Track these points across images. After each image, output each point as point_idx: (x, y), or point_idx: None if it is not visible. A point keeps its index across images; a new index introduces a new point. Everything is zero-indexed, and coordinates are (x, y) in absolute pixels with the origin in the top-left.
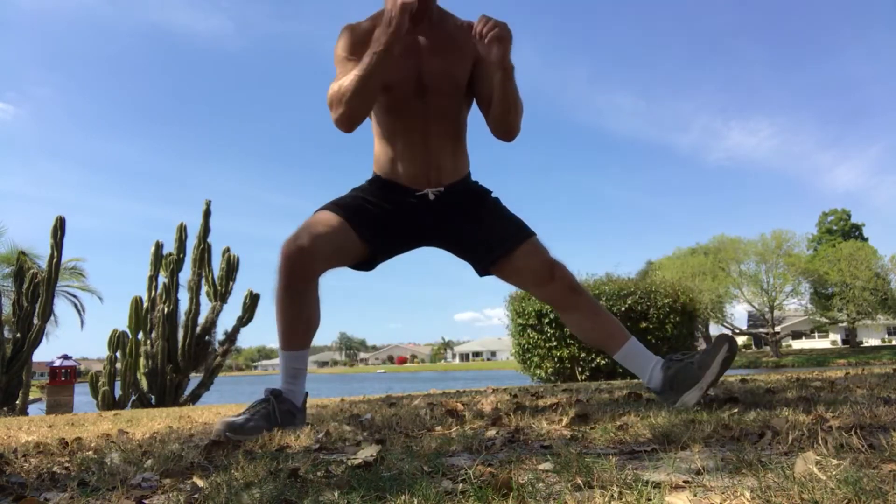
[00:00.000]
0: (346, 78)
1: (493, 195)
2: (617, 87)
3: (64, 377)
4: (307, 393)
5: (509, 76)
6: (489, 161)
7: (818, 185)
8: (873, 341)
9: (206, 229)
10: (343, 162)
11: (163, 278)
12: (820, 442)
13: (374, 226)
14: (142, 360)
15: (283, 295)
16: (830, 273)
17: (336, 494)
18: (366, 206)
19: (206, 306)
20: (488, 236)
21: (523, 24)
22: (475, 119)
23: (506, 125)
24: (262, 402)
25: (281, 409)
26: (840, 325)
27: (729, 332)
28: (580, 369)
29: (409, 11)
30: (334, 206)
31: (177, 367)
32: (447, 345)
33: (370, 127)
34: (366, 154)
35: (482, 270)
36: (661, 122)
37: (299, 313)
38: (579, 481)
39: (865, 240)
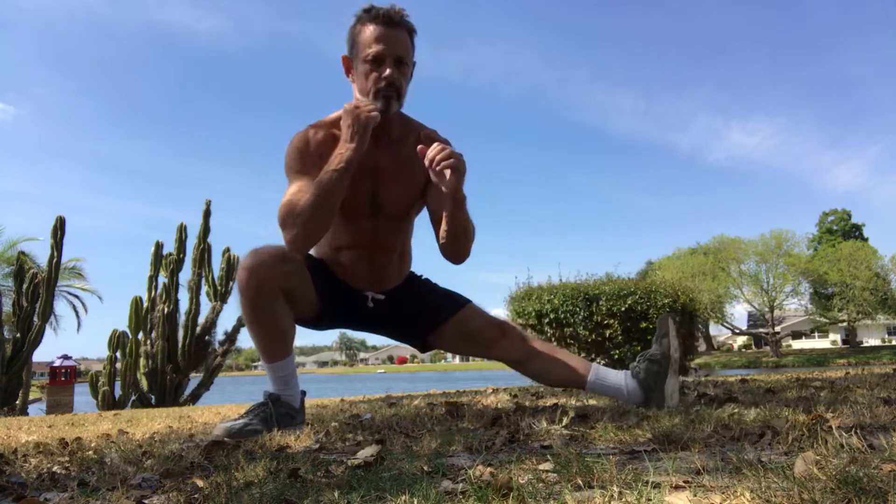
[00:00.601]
0: (302, 196)
1: (423, 276)
2: (617, 86)
3: (64, 377)
4: (304, 392)
5: (460, 206)
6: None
7: (818, 185)
8: (873, 341)
9: (206, 229)
10: None
11: (163, 278)
12: (820, 442)
13: (322, 288)
14: (142, 360)
15: (251, 313)
16: (830, 273)
17: (336, 494)
18: (321, 273)
19: (206, 306)
20: (427, 310)
21: (523, 23)
22: (479, 117)
23: (454, 250)
24: (260, 405)
25: (279, 412)
26: (840, 325)
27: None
28: None
29: (371, 125)
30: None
31: (177, 367)
32: None
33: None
34: None
35: (421, 343)
36: (662, 122)
37: (271, 327)
38: (579, 481)
39: (865, 240)
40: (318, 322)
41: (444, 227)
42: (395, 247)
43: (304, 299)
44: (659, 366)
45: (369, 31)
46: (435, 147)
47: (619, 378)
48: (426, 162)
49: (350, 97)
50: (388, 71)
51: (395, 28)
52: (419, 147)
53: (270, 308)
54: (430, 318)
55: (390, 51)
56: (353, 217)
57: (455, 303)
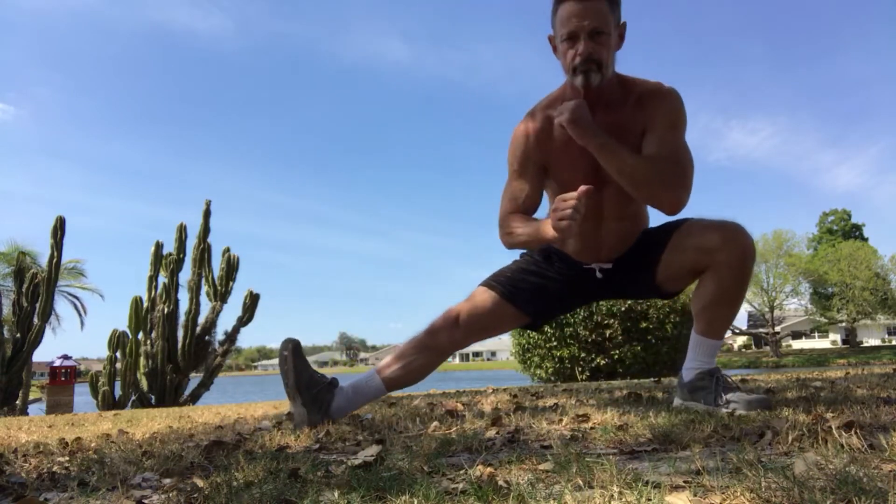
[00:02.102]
0: (520, 232)
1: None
2: None
3: (64, 377)
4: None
5: (601, 153)
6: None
7: (818, 184)
8: (873, 341)
9: (206, 229)
10: (343, 161)
11: (163, 278)
12: (820, 442)
13: (535, 296)
14: (142, 360)
15: (418, 336)
16: (830, 273)
17: (336, 494)
18: (526, 278)
19: (206, 306)
20: (644, 261)
21: (524, 23)
22: (480, 117)
23: (644, 200)
24: (327, 384)
25: (326, 397)
26: (840, 325)
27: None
28: (580, 369)
29: (569, 230)
30: (494, 283)
31: (177, 367)
32: None
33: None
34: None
35: (658, 292)
36: None
37: (409, 357)
38: (579, 481)
39: (865, 240)
40: (535, 324)
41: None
42: (625, 215)
43: (506, 325)
44: (710, 400)
45: (563, 9)
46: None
47: (700, 361)
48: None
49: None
50: (581, 46)
51: (587, 0)
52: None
53: (435, 357)
54: (650, 258)
55: (583, 25)
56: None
57: (670, 226)
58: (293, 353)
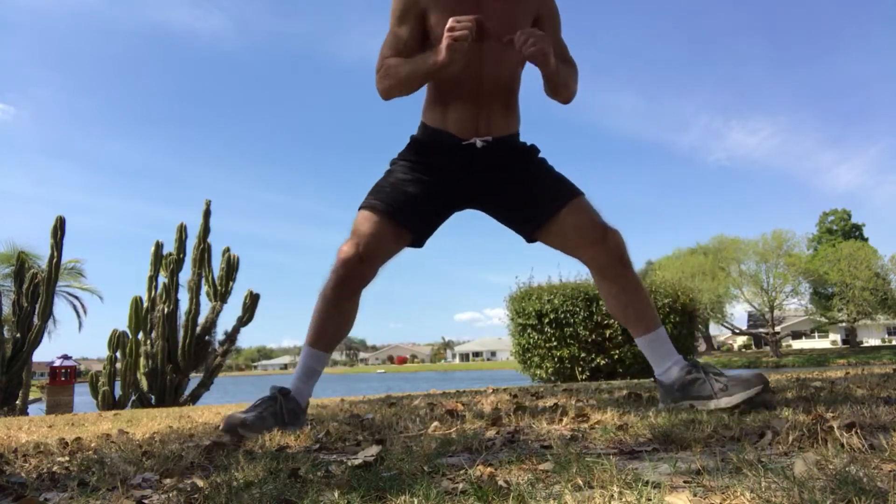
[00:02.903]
0: (401, 66)
1: (541, 154)
2: (617, 86)
3: (64, 377)
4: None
5: (552, 74)
6: None
7: (818, 184)
8: (873, 341)
9: (206, 229)
10: (343, 161)
11: (163, 278)
12: (820, 442)
13: (415, 207)
14: (142, 360)
15: (329, 294)
16: (830, 273)
17: (336, 494)
18: (403, 186)
19: (206, 306)
20: (534, 196)
21: None
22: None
23: (557, 97)
24: (269, 399)
25: (288, 407)
26: (840, 325)
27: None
28: (580, 369)
29: (465, 47)
30: (374, 201)
31: (177, 367)
32: (447, 345)
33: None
34: (365, 152)
35: (528, 234)
36: (662, 122)
37: (335, 315)
38: (579, 481)
39: (865, 240)
40: (420, 241)
41: (544, 82)
42: (501, 80)
43: (396, 247)
44: (707, 394)
45: None
46: (519, 35)
47: (671, 356)
48: (515, 46)
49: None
50: None
51: None
52: (513, 43)
53: (347, 299)
54: (542, 206)
55: None
56: (487, 30)
57: (570, 191)
58: (246, 429)
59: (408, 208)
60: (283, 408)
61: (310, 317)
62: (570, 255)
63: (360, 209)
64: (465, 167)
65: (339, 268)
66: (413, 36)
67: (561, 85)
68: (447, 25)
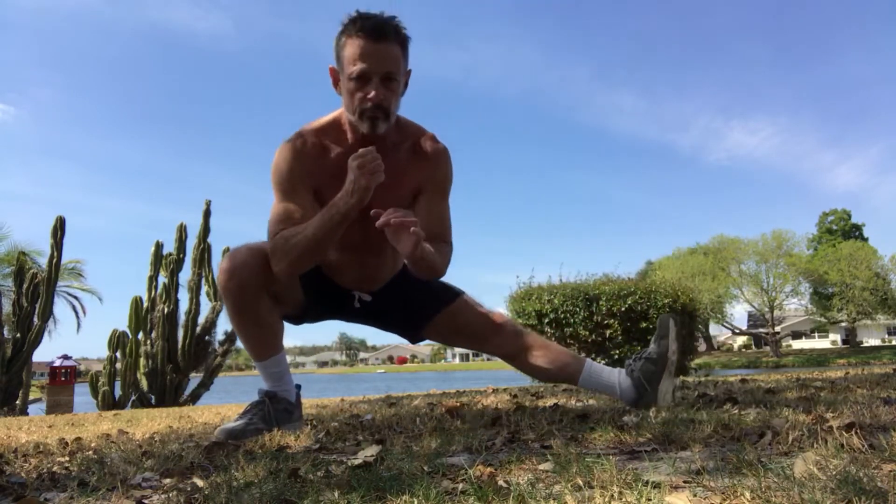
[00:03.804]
0: (296, 233)
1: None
2: (618, 86)
3: (64, 377)
4: (299, 386)
5: (417, 262)
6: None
7: (818, 184)
8: (873, 341)
9: (206, 229)
10: None
11: (163, 278)
12: (820, 442)
13: (310, 289)
14: (142, 360)
15: (236, 314)
16: (830, 273)
17: (336, 494)
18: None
19: (206, 306)
20: (418, 303)
21: (524, 22)
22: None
23: (419, 275)
24: (257, 404)
25: (277, 409)
26: (840, 325)
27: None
28: None
29: (374, 185)
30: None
31: (177, 367)
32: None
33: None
34: None
35: (412, 336)
36: (662, 122)
37: (258, 326)
38: (579, 481)
39: (865, 240)
40: (302, 318)
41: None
42: (384, 249)
43: (289, 297)
44: (655, 365)
45: (354, 46)
46: (390, 214)
47: (612, 375)
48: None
49: (338, 106)
50: (372, 92)
51: (383, 42)
52: (378, 219)
53: (255, 307)
54: (420, 312)
55: (376, 68)
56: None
57: (446, 294)
58: (237, 439)
59: (305, 275)
60: (270, 411)
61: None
62: (473, 348)
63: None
64: (347, 304)
65: (225, 288)
66: (306, 208)
67: (424, 268)
68: (351, 164)
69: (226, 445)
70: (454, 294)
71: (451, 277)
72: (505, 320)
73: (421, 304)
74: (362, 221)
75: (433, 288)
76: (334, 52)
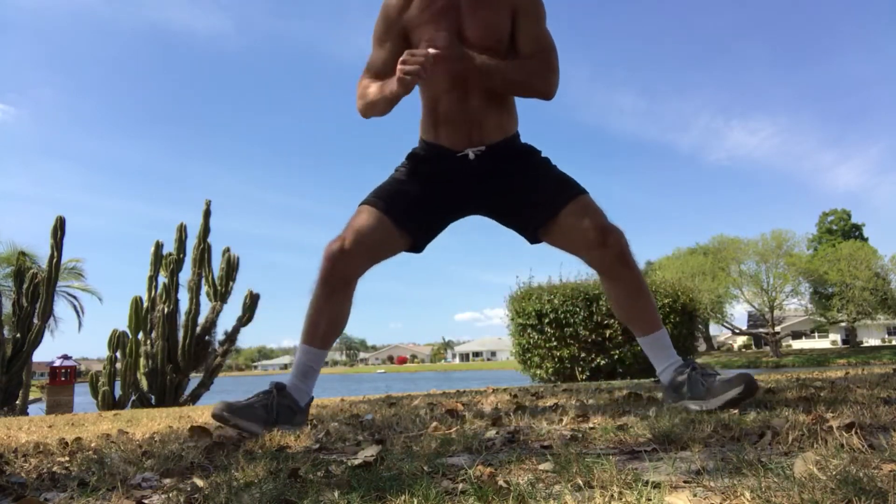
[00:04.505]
0: (370, 90)
1: (543, 154)
2: (618, 86)
3: (64, 377)
4: (312, 397)
5: (487, 78)
6: None
7: (818, 184)
8: (873, 341)
9: (206, 229)
10: (343, 161)
11: (163, 278)
12: (820, 442)
13: (414, 211)
14: (142, 360)
15: (317, 289)
16: (830, 273)
17: (336, 494)
18: (404, 189)
19: (206, 306)
20: (533, 198)
21: None
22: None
23: (521, 96)
24: (264, 392)
25: (281, 403)
26: (840, 325)
27: (749, 374)
28: (580, 369)
29: (416, 80)
30: (373, 199)
31: (177, 367)
32: (447, 345)
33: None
34: (365, 152)
35: (532, 236)
36: (662, 122)
37: (326, 310)
38: (579, 481)
39: (865, 240)
40: (418, 246)
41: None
42: (490, 87)
43: (392, 248)
44: (699, 395)
45: None
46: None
47: (668, 359)
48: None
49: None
50: None
51: None
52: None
53: (336, 293)
54: (542, 207)
55: None
56: (443, 59)
57: (572, 190)
58: (232, 413)
59: (407, 212)
60: (274, 402)
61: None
62: (574, 254)
63: (359, 205)
64: (463, 177)
65: (324, 261)
66: (393, 56)
67: (516, 88)
68: (400, 58)
69: (226, 445)
70: (579, 189)
71: (451, 278)
72: (616, 239)
73: (549, 192)
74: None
75: (559, 180)
76: None
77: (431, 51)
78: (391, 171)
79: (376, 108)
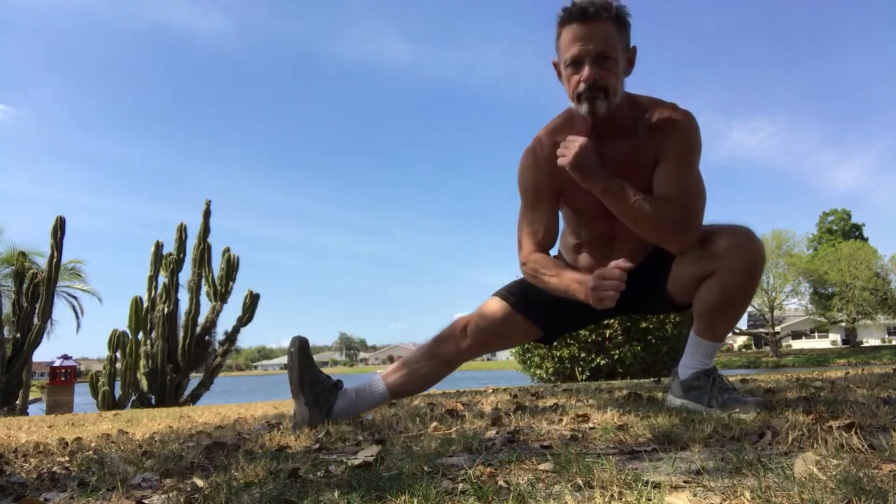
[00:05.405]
0: (548, 276)
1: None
2: None
3: (64, 377)
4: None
5: (605, 197)
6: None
7: (819, 184)
8: (873, 341)
9: (206, 229)
10: (343, 161)
11: (163, 278)
12: (820, 442)
13: (548, 309)
14: (142, 360)
15: (426, 343)
16: (830, 273)
17: (336, 494)
18: (540, 291)
19: (206, 306)
20: (655, 269)
21: (524, 22)
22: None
23: (650, 241)
24: (334, 384)
25: (330, 399)
26: (840, 325)
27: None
28: (580, 369)
29: (604, 307)
30: (506, 293)
31: (177, 367)
32: None
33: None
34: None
35: (673, 305)
36: None
37: (416, 363)
38: (579, 481)
39: (865, 240)
40: (549, 338)
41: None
42: (634, 242)
43: (518, 338)
44: (703, 402)
45: (567, 32)
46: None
47: (700, 362)
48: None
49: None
50: (586, 72)
51: (592, 22)
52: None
53: (443, 366)
54: (661, 265)
55: (587, 50)
56: (589, 220)
57: (670, 256)
58: (300, 350)
59: (538, 306)
60: (328, 395)
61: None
62: (708, 275)
63: (492, 295)
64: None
65: (447, 328)
66: (550, 219)
67: (629, 218)
68: (591, 286)
69: (226, 445)
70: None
71: (451, 278)
72: (739, 248)
73: (657, 262)
74: (608, 218)
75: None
76: (555, 45)
77: (623, 266)
78: (390, 169)
79: (552, 292)
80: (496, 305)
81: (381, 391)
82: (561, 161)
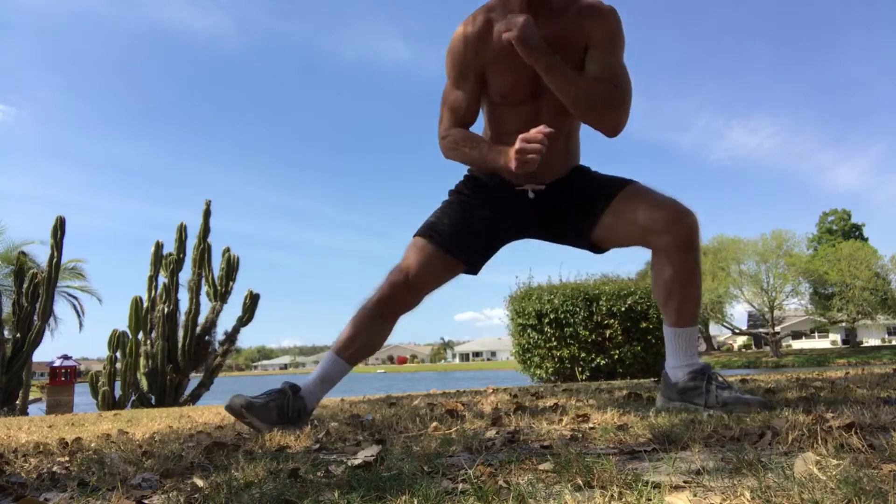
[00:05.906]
0: (468, 148)
1: (584, 166)
2: None
3: (64, 377)
4: (319, 399)
5: (548, 74)
6: None
7: (819, 184)
8: (873, 341)
9: (206, 229)
10: (343, 161)
11: (163, 278)
12: (820, 442)
13: (469, 238)
14: (142, 360)
15: (369, 309)
16: (830, 273)
17: (336, 494)
18: (458, 218)
19: (206, 306)
20: (585, 199)
21: None
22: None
23: (587, 121)
24: (278, 391)
25: (294, 405)
26: (840, 325)
27: (766, 401)
28: (580, 369)
29: (530, 168)
30: (429, 230)
31: (177, 367)
32: (447, 345)
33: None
34: (365, 152)
35: (589, 242)
36: (663, 122)
37: (369, 330)
38: (579, 481)
39: (865, 240)
40: (474, 268)
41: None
42: (560, 131)
43: (447, 275)
44: (697, 403)
45: None
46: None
47: (686, 359)
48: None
49: None
50: None
51: None
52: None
53: (384, 319)
54: (590, 208)
55: None
56: (514, 102)
57: (615, 185)
58: (248, 409)
59: (462, 239)
60: (289, 403)
61: (341, 326)
62: (640, 245)
63: (414, 236)
64: (519, 209)
65: (386, 287)
66: (473, 96)
67: (570, 95)
68: (517, 147)
69: (226, 445)
70: (623, 182)
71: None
72: (680, 225)
73: (590, 197)
74: (534, 101)
75: (602, 180)
76: None
77: (545, 130)
78: (390, 169)
79: (470, 164)
80: (425, 248)
81: (341, 367)
82: (507, 35)
